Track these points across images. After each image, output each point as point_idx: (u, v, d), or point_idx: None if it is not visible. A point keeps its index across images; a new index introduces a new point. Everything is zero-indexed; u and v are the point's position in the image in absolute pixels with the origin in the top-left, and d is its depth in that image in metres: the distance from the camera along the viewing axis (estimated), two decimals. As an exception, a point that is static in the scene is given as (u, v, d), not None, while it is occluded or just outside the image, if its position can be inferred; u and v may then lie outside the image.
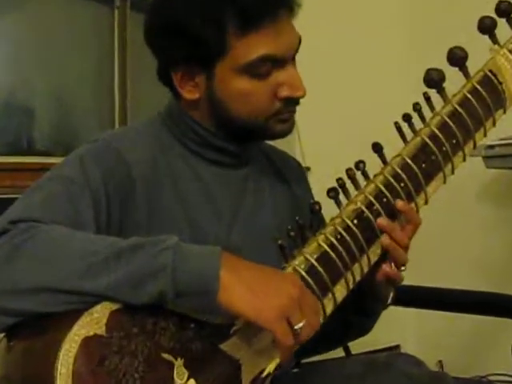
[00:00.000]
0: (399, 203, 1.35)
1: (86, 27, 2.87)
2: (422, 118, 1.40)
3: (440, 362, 3.24)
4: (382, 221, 1.35)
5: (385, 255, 1.37)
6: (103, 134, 1.46)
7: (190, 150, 1.47)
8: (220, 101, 1.41)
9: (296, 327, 1.18)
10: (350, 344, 2.41)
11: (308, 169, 2.84)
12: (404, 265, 1.39)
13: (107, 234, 1.29)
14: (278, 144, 1.61)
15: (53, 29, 2.78)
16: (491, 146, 2.64)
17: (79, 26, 2.84)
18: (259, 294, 1.17)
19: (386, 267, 1.38)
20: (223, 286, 1.15)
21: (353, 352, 2.48)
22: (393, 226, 1.36)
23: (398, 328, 3.26)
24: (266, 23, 1.36)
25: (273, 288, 1.18)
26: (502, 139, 2.61)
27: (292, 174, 1.64)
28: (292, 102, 1.42)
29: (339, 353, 2.45)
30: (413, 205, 1.38)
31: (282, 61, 1.40)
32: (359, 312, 1.51)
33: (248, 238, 1.46)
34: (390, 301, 1.48)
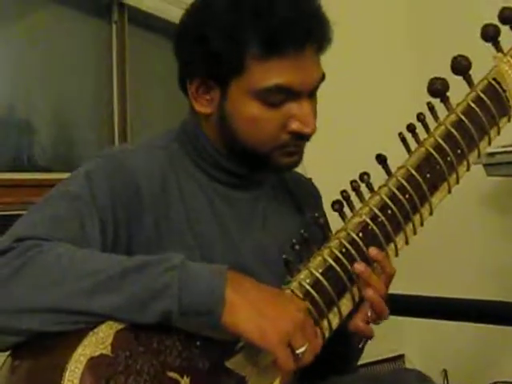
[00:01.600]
0: (372, 252, 1.33)
1: (84, 42, 2.87)
2: (426, 128, 1.41)
3: (444, 370, 3.23)
4: (359, 266, 1.32)
5: (357, 307, 1.35)
6: (112, 149, 1.45)
7: (201, 169, 1.45)
8: (229, 121, 1.39)
9: (298, 352, 1.18)
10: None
11: (309, 179, 2.89)
12: (384, 319, 1.37)
13: (114, 253, 1.28)
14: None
15: (51, 44, 2.77)
16: (492, 154, 2.64)
17: (78, 41, 2.84)
18: (264, 315, 1.17)
19: (359, 321, 1.36)
20: (228, 306, 1.15)
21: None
22: (370, 273, 1.33)
23: (402, 337, 3.26)
24: (289, 52, 1.33)
25: (278, 311, 1.18)
26: (503, 146, 2.60)
27: (306, 199, 1.61)
28: (300, 137, 1.39)
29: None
30: (418, 216, 1.37)
31: (299, 94, 1.36)
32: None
33: (256, 262, 1.44)
34: (361, 345, 1.48)
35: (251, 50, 1.33)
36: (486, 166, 2.68)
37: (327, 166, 2.88)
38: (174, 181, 1.41)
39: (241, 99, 1.36)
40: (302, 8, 1.35)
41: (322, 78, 1.40)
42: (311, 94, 1.39)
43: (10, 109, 2.70)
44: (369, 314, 1.35)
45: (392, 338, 3.11)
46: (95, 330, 1.13)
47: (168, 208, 1.38)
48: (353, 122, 3.14)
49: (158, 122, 1.56)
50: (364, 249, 1.32)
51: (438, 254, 3.04)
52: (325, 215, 1.57)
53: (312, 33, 1.35)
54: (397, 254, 1.37)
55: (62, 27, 2.82)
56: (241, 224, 1.46)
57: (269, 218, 1.50)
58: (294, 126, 1.37)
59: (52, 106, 2.82)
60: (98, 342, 1.12)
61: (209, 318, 1.16)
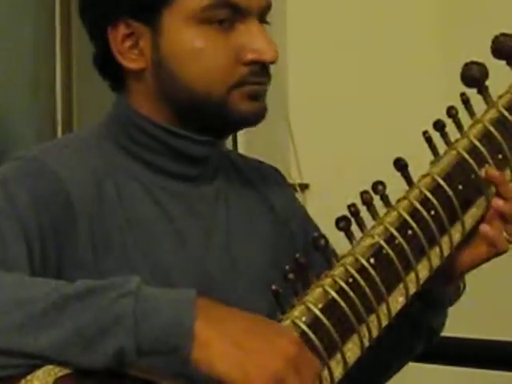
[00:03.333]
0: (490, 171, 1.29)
1: (21, 9, 2.75)
2: (459, 126, 1.29)
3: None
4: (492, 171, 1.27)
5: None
6: (33, 150, 1.37)
7: (143, 162, 1.35)
8: (169, 66, 1.30)
9: None
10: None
11: (306, 186, 2.89)
12: None
13: (43, 276, 1.20)
14: (267, 155, 1.45)
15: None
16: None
17: (12, 7, 2.72)
18: (246, 350, 1.06)
19: (488, 229, 1.28)
20: (200, 340, 1.05)
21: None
22: (505, 179, 1.29)
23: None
24: None
25: (263, 344, 1.07)
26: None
27: (272, 190, 1.52)
28: (260, 70, 1.31)
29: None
30: (446, 239, 1.26)
31: (247, 13, 1.30)
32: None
33: (224, 274, 1.36)
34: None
35: None
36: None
37: (329, 173, 2.76)
38: (112, 185, 1.32)
39: (178, 31, 1.30)
40: None
41: (270, 5, 1.36)
42: (261, 20, 1.34)
43: None
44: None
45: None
46: (28, 378, 1.04)
47: (106, 219, 1.30)
48: (355, 118, 3.18)
49: (107, 106, 1.45)
50: (377, 278, 1.20)
51: (479, 282, 2.91)
52: (305, 212, 1.57)
53: None
54: (418, 287, 1.25)
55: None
56: (201, 229, 1.38)
57: (233, 218, 1.42)
58: (250, 54, 1.30)
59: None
60: None
61: (175, 357, 1.05)
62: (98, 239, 1.27)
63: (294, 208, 1.55)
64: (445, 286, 1.36)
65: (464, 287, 1.41)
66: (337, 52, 3.11)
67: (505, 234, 1.31)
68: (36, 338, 1.04)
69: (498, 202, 1.28)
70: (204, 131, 1.35)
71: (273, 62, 1.32)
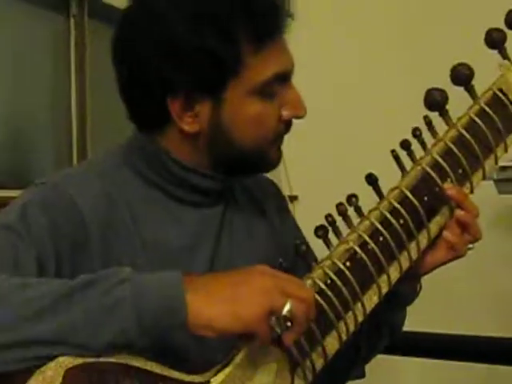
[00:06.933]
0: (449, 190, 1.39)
1: (39, 39, 2.85)
2: (423, 145, 1.40)
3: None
4: (452, 191, 1.38)
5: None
6: (54, 176, 1.46)
7: (160, 189, 1.46)
8: (226, 131, 1.41)
9: (284, 312, 1.18)
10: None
11: (295, 197, 2.93)
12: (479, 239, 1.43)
13: None
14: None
15: (3, 40, 2.77)
16: (503, 168, 2.59)
17: (32, 37, 2.82)
18: (232, 300, 1.18)
19: (450, 235, 1.40)
20: (193, 310, 1.17)
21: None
22: (464, 194, 1.40)
23: (399, 378, 3.26)
24: (276, 39, 1.40)
25: (243, 289, 1.19)
26: (516, 159, 2.56)
27: (269, 201, 1.65)
28: (290, 124, 1.45)
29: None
30: (414, 245, 1.38)
31: (288, 78, 1.43)
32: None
33: None
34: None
35: (245, 46, 1.37)
36: (497, 181, 2.63)
37: (316, 186, 2.91)
38: (126, 208, 1.42)
39: (240, 102, 1.39)
40: None
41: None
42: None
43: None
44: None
45: (387, 379, 3.11)
46: (42, 369, 1.13)
47: (117, 239, 1.39)
48: (339, 136, 3.18)
49: (121, 129, 1.53)
50: (352, 280, 1.32)
51: (441, 283, 3.02)
52: (294, 223, 1.68)
53: (284, 17, 1.45)
54: (390, 287, 1.37)
55: (16, 22, 2.80)
56: (208, 246, 1.48)
57: (236, 234, 1.53)
58: (287, 112, 1.43)
59: (4, 114, 2.81)
60: (46, 381, 1.12)
61: (174, 329, 1.18)
62: (109, 258, 1.36)
63: (287, 220, 1.67)
64: (408, 285, 1.45)
65: (420, 288, 1.51)
66: (325, 66, 3.20)
67: (464, 239, 1.41)
68: (49, 324, 1.13)
69: (459, 213, 1.39)
70: (223, 170, 1.46)
71: (303, 117, 1.44)
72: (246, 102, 1.39)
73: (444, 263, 1.43)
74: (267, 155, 1.45)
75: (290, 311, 1.18)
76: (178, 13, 1.37)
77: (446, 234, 1.40)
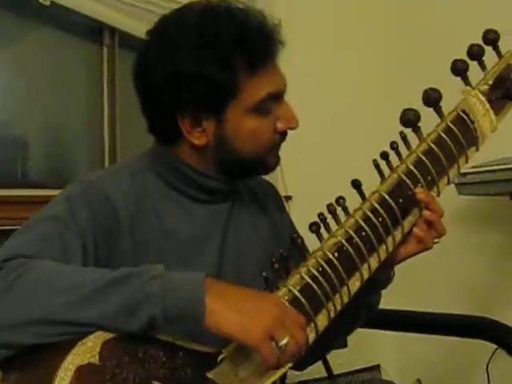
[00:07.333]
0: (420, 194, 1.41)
1: (76, 65, 2.87)
2: (399, 156, 1.42)
3: (418, 380, 3.24)
4: (422, 195, 1.40)
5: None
6: (91, 175, 1.47)
7: (176, 189, 1.48)
8: (229, 142, 1.43)
9: (280, 344, 1.20)
10: (332, 364, 2.42)
11: (290, 197, 2.87)
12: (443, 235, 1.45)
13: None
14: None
15: (44, 66, 2.78)
16: (463, 174, 2.65)
17: (70, 63, 2.84)
18: (244, 313, 1.20)
19: (419, 232, 1.43)
20: (209, 309, 1.18)
21: (335, 372, 2.49)
22: (432, 197, 1.41)
23: (378, 348, 3.25)
24: (268, 63, 1.42)
25: (256, 308, 1.21)
26: (473, 167, 2.61)
27: (268, 200, 1.66)
28: (285, 134, 1.47)
29: (322, 373, 2.46)
30: (390, 238, 1.40)
31: (281, 96, 1.45)
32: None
33: (235, 275, 1.47)
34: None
35: (242, 72, 1.38)
36: (457, 185, 2.69)
37: (310, 186, 2.88)
38: (150, 203, 1.44)
39: (239, 119, 1.41)
40: (266, 22, 1.43)
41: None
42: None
43: (4, 126, 2.71)
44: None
45: (368, 349, 3.12)
46: (83, 341, 1.15)
47: (144, 228, 1.41)
48: (331, 143, 3.16)
49: (145, 143, 1.56)
50: (339, 268, 1.34)
51: (414, 270, 3.06)
52: (290, 220, 1.68)
53: (277, 42, 1.45)
54: (370, 274, 1.39)
55: (57, 49, 2.83)
56: (217, 238, 1.49)
57: (242, 229, 1.54)
58: (282, 124, 1.45)
59: (46, 126, 2.83)
60: (86, 351, 1.14)
61: (192, 324, 1.19)
62: (138, 244, 1.38)
63: (285, 217, 1.68)
64: (384, 272, 1.47)
65: (394, 274, 1.53)
66: (319, 70, 3.14)
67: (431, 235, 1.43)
68: (88, 311, 1.15)
69: (427, 213, 1.42)
70: (227, 173, 1.48)
71: (296, 128, 1.46)
72: (245, 119, 1.41)
73: (415, 254, 1.46)
74: (265, 161, 1.47)
75: (285, 345, 1.20)
76: (184, 44, 1.39)
77: (415, 230, 1.43)
